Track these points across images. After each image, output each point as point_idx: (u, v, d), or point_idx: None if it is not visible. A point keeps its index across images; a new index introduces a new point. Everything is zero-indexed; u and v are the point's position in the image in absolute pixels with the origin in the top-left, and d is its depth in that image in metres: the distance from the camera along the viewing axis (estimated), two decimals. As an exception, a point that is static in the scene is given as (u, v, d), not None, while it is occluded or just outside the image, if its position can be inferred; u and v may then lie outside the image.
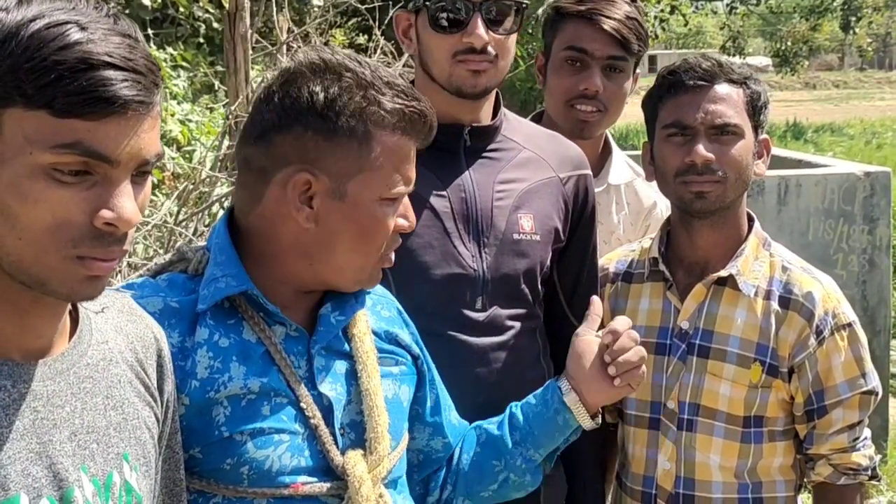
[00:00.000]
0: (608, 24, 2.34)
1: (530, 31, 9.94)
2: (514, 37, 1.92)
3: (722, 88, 1.97)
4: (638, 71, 2.49)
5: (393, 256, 1.53)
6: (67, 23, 0.99)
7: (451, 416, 1.76)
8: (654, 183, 2.15)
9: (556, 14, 2.43)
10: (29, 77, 0.98)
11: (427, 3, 1.86)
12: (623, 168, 2.58)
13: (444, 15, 1.85)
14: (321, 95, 1.41)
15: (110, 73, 1.00)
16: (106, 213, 1.02)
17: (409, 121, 1.45)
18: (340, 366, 1.52)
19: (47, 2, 1.01)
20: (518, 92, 12.70)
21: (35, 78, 0.98)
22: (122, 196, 1.03)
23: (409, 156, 1.48)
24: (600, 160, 2.54)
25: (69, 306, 1.15)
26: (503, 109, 2.02)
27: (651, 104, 2.05)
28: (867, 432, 2.04)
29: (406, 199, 1.51)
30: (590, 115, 2.38)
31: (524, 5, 1.92)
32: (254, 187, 1.47)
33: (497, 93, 1.99)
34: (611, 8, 2.37)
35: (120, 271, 3.27)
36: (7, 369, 1.06)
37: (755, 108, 2.00)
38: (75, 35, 0.99)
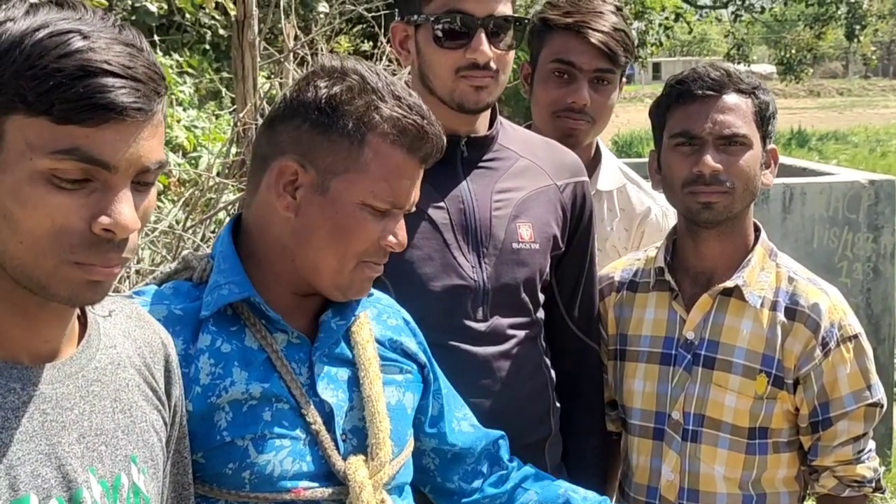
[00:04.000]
0: (595, 38, 2.35)
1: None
2: (513, 52, 1.92)
3: (731, 98, 1.96)
4: (624, 79, 2.50)
5: (381, 269, 1.52)
6: (70, 32, 1.01)
7: (457, 425, 1.74)
8: (650, 188, 2.15)
9: (543, 25, 2.43)
10: (30, 84, 0.99)
11: (430, 17, 1.86)
12: (614, 174, 2.59)
13: (448, 30, 1.85)
14: (324, 91, 1.45)
15: (108, 81, 1.01)
16: (104, 220, 1.03)
17: (404, 132, 1.45)
18: (343, 373, 1.53)
19: (54, 12, 1.03)
20: (523, 100, 12.69)
21: (35, 85, 0.99)
22: (120, 203, 1.04)
23: (404, 170, 1.46)
24: (590, 167, 2.54)
25: (77, 311, 1.16)
26: (499, 119, 2.03)
27: (659, 113, 2.05)
28: (872, 444, 2.04)
29: (402, 221, 1.50)
30: (577, 125, 2.39)
31: (525, 21, 1.93)
32: (254, 176, 1.53)
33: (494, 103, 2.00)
34: (598, 20, 2.37)
35: (128, 277, 3.28)
36: (17, 372, 1.07)
37: (763, 119, 1.99)
38: (77, 43, 1.00)
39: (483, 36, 1.84)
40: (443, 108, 1.89)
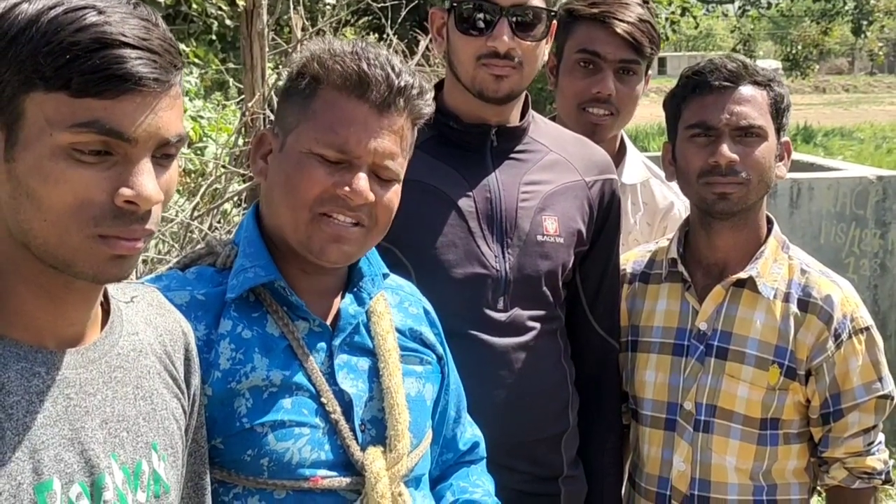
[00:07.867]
0: (621, 28, 2.34)
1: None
2: (542, 44, 1.91)
3: (747, 90, 1.96)
4: (650, 72, 2.49)
5: (346, 229, 1.45)
6: (85, 7, 1.02)
7: (452, 429, 1.72)
8: (672, 183, 2.15)
9: (569, 16, 2.42)
10: (47, 60, 0.99)
11: (454, 4, 1.86)
12: (638, 168, 2.58)
13: (471, 17, 1.85)
14: (295, 66, 1.52)
15: (124, 52, 1.01)
16: (125, 191, 1.03)
17: (348, 78, 1.44)
18: (363, 363, 1.53)
19: None
20: (529, 92, 12.66)
21: (52, 60, 0.99)
22: (141, 174, 1.04)
23: (352, 116, 1.44)
24: (615, 160, 2.53)
25: (101, 297, 1.16)
26: (531, 111, 2.02)
27: (674, 104, 2.05)
28: (882, 437, 2.05)
29: (361, 174, 1.43)
30: (602, 118, 2.37)
31: (553, 13, 1.92)
32: None
33: (526, 94, 1.99)
34: (623, 10, 2.36)
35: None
36: (41, 356, 1.07)
37: (778, 111, 2.00)
38: (92, 18, 1.01)
39: (505, 25, 1.84)
40: (469, 96, 1.90)
